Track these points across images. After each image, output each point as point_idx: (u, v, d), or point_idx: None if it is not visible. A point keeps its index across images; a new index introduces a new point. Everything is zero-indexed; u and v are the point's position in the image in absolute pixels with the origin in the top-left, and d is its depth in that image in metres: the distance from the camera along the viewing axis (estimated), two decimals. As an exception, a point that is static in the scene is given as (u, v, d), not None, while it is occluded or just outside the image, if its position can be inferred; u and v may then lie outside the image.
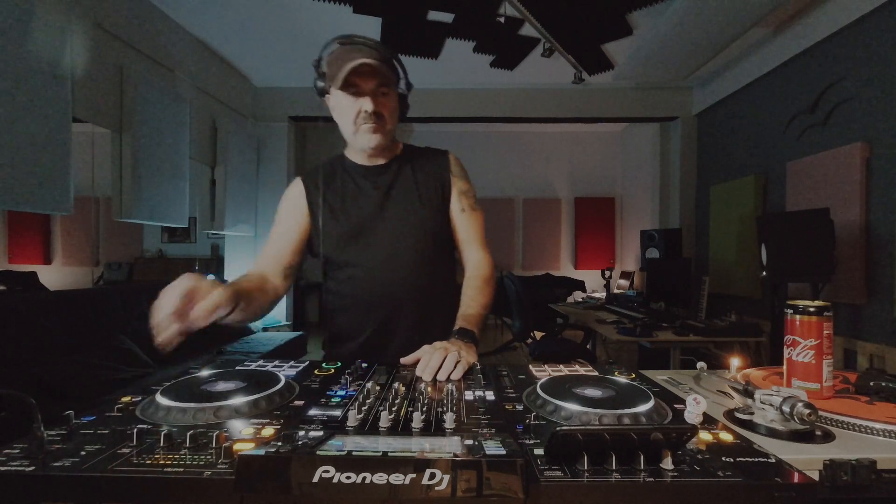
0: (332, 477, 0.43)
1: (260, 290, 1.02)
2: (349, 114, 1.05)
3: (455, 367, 0.82)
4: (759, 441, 0.60)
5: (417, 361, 0.85)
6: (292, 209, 1.14)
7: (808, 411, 0.63)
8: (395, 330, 0.98)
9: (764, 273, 2.61)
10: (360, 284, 1.10)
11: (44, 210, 2.40)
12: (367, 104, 1.03)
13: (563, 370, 0.88)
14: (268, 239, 1.15)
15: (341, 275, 1.13)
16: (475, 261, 1.15)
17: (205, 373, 0.79)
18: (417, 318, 1.08)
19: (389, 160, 1.15)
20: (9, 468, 0.47)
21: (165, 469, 0.47)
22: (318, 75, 1.08)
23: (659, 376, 0.98)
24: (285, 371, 0.86)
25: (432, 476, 0.43)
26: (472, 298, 1.07)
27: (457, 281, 1.16)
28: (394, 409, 0.64)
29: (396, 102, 1.10)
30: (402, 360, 0.89)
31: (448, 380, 0.80)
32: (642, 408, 0.63)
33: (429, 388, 0.72)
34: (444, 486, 0.43)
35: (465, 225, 1.15)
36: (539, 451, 0.52)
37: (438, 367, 0.81)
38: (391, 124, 1.08)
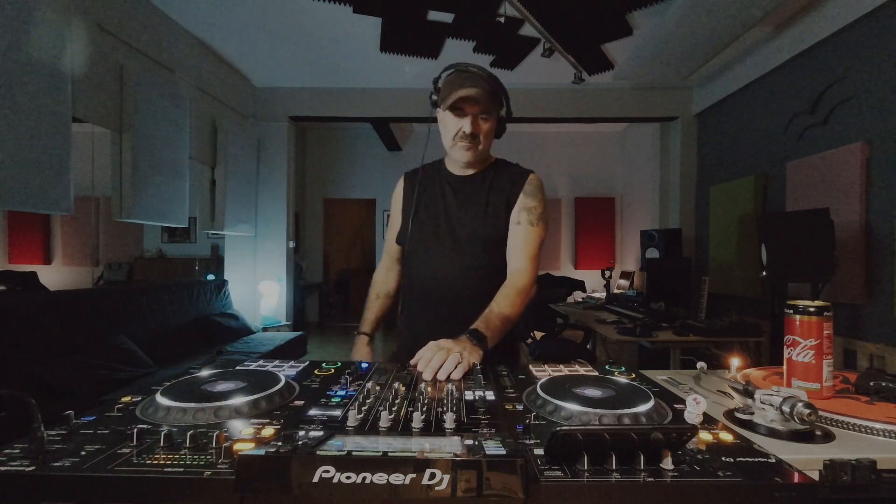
0: (332, 477, 0.43)
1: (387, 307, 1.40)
2: (451, 130, 1.20)
3: (456, 367, 0.83)
4: (759, 441, 0.60)
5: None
6: (395, 206, 1.37)
7: (808, 411, 0.63)
8: (443, 333, 0.96)
9: (764, 273, 2.61)
10: (420, 281, 1.24)
11: (44, 210, 2.40)
12: (466, 126, 1.17)
13: (563, 370, 0.88)
14: (388, 232, 1.40)
15: (410, 269, 1.28)
16: (515, 270, 1.19)
17: (205, 373, 0.79)
18: (470, 315, 1.08)
19: (476, 172, 1.29)
20: (9, 468, 0.47)
21: (165, 469, 0.47)
22: (434, 90, 1.26)
23: (659, 376, 0.98)
24: (285, 371, 0.86)
25: (432, 476, 0.43)
26: (498, 304, 1.10)
27: None
28: (394, 409, 0.64)
29: (494, 126, 1.24)
30: (411, 362, 0.91)
31: (448, 380, 0.81)
32: (642, 408, 0.63)
33: (429, 388, 0.72)
34: (444, 486, 0.43)
35: (517, 237, 1.21)
36: (539, 451, 0.52)
37: (439, 367, 0.83)
38: (484, 144, 1.23)
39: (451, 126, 1.20)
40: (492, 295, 1.12)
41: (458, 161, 1.26)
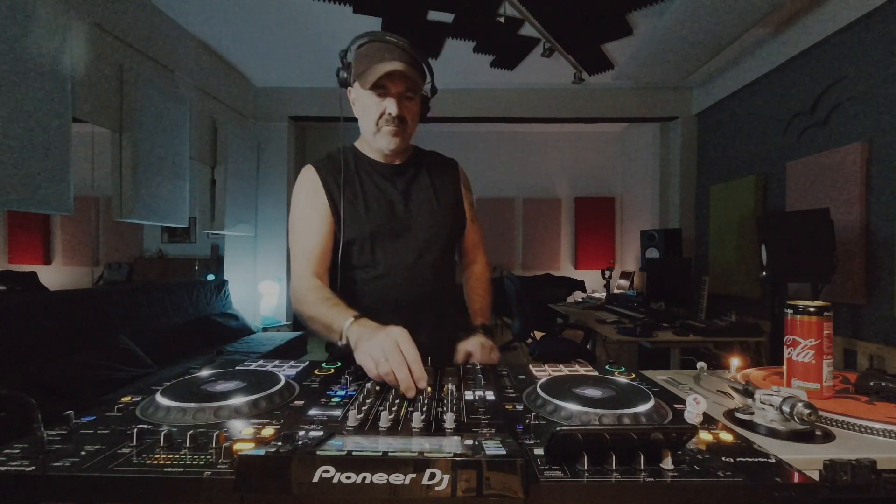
0: (332, 477, 0.43)
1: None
2: (372, 113, 1.04)
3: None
4: (759, 441, 0.60)
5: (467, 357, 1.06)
6: (313, 199, 1.09)
7: (808, 411, 0.63)
8: (418, 332, 0.89)
9: (764, 273, 2.61)
10: (383, 287, 1.09)
11: (44, 210, 2.40)
12: (392, 107, 1.02)
13: (563, 370, 0.88)
14: (295, 235, 1.10)
15: (361, 275, 1.10)
16: (480, 264, 1.28)
17: (205, 373, 0.79)
18: (437, 319, 1.14)
19: (405, 161, 1.17)
20: (9, 468, 0.47)
21: (165, 469, 0.47)
22: (342, 65, 1.07)
23: (659, 376, 0.98)
24: (285, 371, 0.86)
25: (432, 476, 0.43)
26: (483, 297, 1.22)
27: (455, 282, 1.25)
28: (394, 409, 0.64)
29: (419, 106, 1.11)
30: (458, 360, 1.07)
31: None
32: (642, 408, 0.63)
33: (428, 389, 0.72)
34: (444, 486, 0.43)
35: (472, 234, 1.26)
36: (539, 451, 0.52)
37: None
38: (412, 128, 1.09)
39: (371, 108, 1.04)
40: (447, 295, 1.16)
41: (383, 149, 1.08)
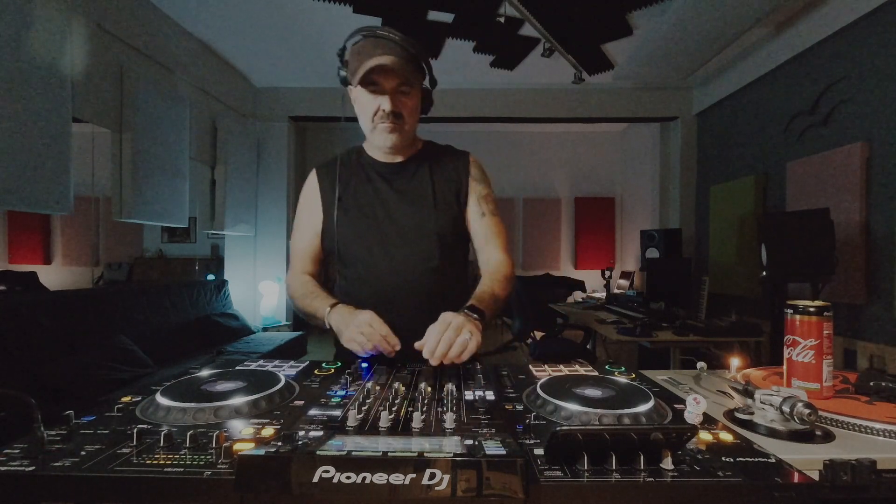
0: (332, 477, 0.43)
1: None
2: (368, 110, 1.04)
3: (463, 352, 0.83)
4: (759, 441, 0.60)
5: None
6: (309, 204, 1.16)
7: (808, 411, 0.63)
8: (403, 331, 0.92)
9: (764, 273, 2.61)
10: (368, 284, 1.08)
11: (44, 210, 2.40)
12: (385, 103, 1.01)
13: (563, 370, 0.88)
14: (294, 236, 1.19)
15: (350, 272, 1.11)
16: (497, 260, 1.12)
17: (205, 373, 0.79)
18: (426, 320, 0.99)
19: (407, 158, 1.14)
20: (9, 468, 0.47)
21: (165, 469, 0.47)
22: (340, 64, 1.07)
23: (659, 376, 0.98)
24: (285, 371, 0.86)
25: (432, 476, 0.43)
26: (488, 286, 1.04)
27: (468, 284, 1.14)
28: (394, 409, 0.64)
29: (418, 100, 1.08)
30: (416, 345, 0.86)
31: (452, 363, 0.83)
32: (642, 408, 0.63)
33: (428, 389, 0.72)
34: (444, 486, 0.43)
35: (485, 229, 1.13)
36: (539, 451, 0.52)
37: (446, 351, 0.81)
38: (410, 124, 1.07)
39: (367, 105, 1.03)
40: (449, 296, 1.04)
41: (381, 147, 1.08)
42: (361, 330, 0.88)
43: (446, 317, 0.87)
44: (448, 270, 1.10)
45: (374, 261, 1.08)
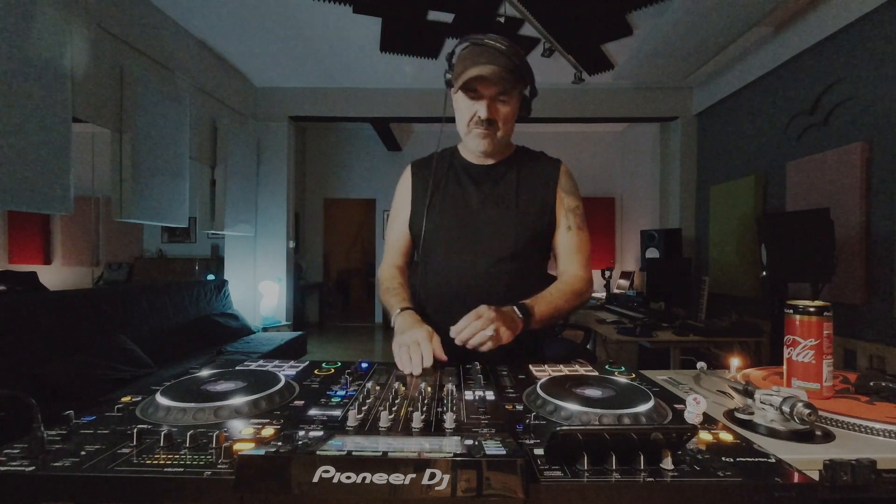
0: (332, 477, 0.43)
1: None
2: (465, 114, 1.08)
3: (485, 343, 0.88)
4: (759, 441, 0.60)
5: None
6: (402, 197, 1.22)
7: (808, 411, 0.63)
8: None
9: (764, 273, 2.61)
10: (442, 281, 1.12)
11: (44, 210, 2.40)
12: (482, 110, 1.05)
13: (563, 370, 0.88)
14: (388, 229, 1.26)
15: (429, 266, 1.16)
16: (572, 275, 1.13)
17: (205, 373, 0.79)
18: None
19: (498, 162, 1.17)
20: (9, 468, 0.47)
21: (165, 469, 0.47)
22: (448, 66, 1.12)
23: (659, 376, 0.98)
24: (285, 371, 0.85)
25: (432, 476, 0.43)
26: (551, 293, 1.05)
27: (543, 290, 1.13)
28: (394, 409, 0.64)
29: (516, 108, 1.11)
30: (452, 330, 0.91)
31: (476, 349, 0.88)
32: (642, 408, 0.63)
33: (428, 388, 0.72)
34: (444, 486, 0.43)
35: (569, 242, 1.14)
36: (539, 451, 0.52)
37: (469, 338, 0.87)
38: (504, 130, 1.10)
39: (464, 110, 1.08)
40: (519, 299, 1.02)
41: (474, 150, 1.13)
42: (408, 345, 0.88)
43: (482, 308, 0.91)
44: (523, 273, 1.12)
45: (451, 256, 1.12)
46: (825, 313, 0.81)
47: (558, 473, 0.47)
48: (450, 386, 0.72)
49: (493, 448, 0.47)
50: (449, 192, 1.16)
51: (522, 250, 1.10)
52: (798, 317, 0.83)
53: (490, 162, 1.16)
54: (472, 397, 0.70)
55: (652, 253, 4.48)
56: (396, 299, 1.09)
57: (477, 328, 0.87)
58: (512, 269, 1.09)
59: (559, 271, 1.16)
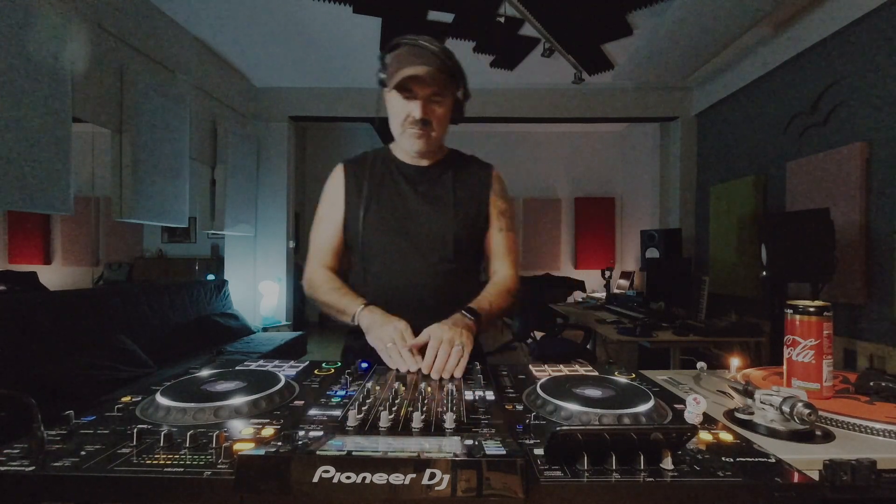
0: (332, 477, 0.43)
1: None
2: (399, 114, 1.08)
3: (458, 363, 0.84)
4: (759, 441, 0.60)
5: (425, 345, 0.87)
6: (333, 197, 1.17)
7: (808, 411, 0.63)
8: (413, 327, 0.95)
9: (764, 273, 2.61)
10: (382, 282, 1.12)
11: (44, 210, 2.40)
12: (416, 111, 1.05)
13: (563, 370, 0.88)
14: (315, 229, 1.19)
15: (367, 269, 1.14)
16: (502, 273, 1.17)
17: (205, 373, 0.79)
18: (436, 318, 1.01)
19: (432, 163, 1.17)
20: (9, 468, 0.47)
21: (165, 469, 0.47)
22: (381, 66, 1.10)
23: (659, 376, 0.98)
24: (285, 371, 0.85)
25: (432, 476, 0.43)
26: (490, 295, 1.09)
27: (479, 289, 1.16)
28: (394, 409, 0.64)
29: (449, 109, 1.11)
30: (410, 344, 0.89)
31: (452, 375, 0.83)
32: (642, 408, 0.63)
33: (428, 388, 0.72)
34: (444, 486, 0.43)
35: (499, 244, 1.18)
36: (539, 451, 0.52)
37: (443, 367, 0.83)
38: (438, 131, 1.10)
39: (398, 110, 1.08)
40: (462, 300, 1.04)
41: (409, 150, 1.13)
42: (392, 337, 0.90)
43: (434, 333, 0.89)
44: (461, 273, 1.13)
45: (391, 257, 1.11)
46: (825, 313, 0.81)
47: (558, 473, 0.47)
48: (450, 386, 0.72)
49: (493, 448, 0.47)
50: (385, 192, 1.14)
51: (460, 250, 1.12)
52: (798, 317, 0.83)
53: (425, 163, 1.17)
54: (472, 397, 0.70)
55: (652, 253, 4.48)
56: (350, 297, 1.06)
57: (447, 352, 0.85)
58: (450, 268, 1.11)
59: (492, 271, 1.20)
